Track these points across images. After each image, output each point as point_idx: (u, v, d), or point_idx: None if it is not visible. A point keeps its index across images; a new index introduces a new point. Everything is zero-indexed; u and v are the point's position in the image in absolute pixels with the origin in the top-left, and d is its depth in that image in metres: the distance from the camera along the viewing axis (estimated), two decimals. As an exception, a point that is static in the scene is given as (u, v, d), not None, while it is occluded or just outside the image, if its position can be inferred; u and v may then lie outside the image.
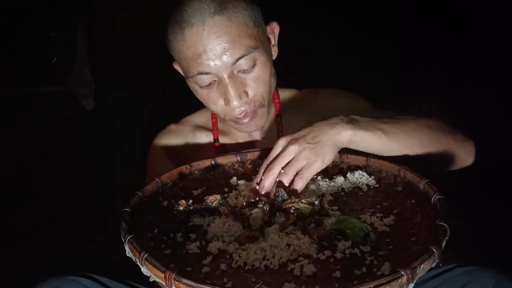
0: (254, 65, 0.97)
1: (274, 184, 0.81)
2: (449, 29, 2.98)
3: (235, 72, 0.96)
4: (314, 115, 1.10)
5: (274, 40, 1.06)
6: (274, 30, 1.06)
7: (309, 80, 1.22)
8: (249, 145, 1.11)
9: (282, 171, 0.81)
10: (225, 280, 0.60)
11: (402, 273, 0.57)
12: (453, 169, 0.99)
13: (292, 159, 0.81)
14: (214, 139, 1.14)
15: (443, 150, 0.94)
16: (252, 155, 0.99)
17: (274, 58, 1.05)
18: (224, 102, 0.99)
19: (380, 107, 1.13)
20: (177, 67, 1.07)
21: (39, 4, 3.43)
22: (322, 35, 3.26)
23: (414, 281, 0.58)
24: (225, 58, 0.93)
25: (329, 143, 0.82)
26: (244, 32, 0.95)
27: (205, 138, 1.16)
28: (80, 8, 3.51)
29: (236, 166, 0.97)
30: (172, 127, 1.20)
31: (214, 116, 1.14)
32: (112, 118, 3.71)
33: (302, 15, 3.01)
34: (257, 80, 0.98)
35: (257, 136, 1.13)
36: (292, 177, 0.80)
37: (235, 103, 0.97)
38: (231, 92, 0.96)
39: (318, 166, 0.81)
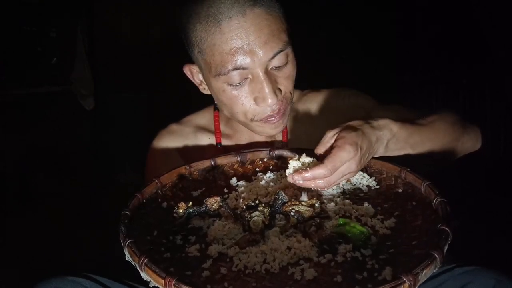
0: (286, 63, 0.95)
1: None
2: (449, 29, 2.98)
3: (269, 68, 0.93)
4: (319, 116, 1.08)
5: None
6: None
7: (307, 82, 1.20)
8: (253, 148, 1.08)
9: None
10: (226, 284, 0.60)
11: (404, 279, 0.56)
12: (463, 154, 1.02)
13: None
14: (217, 143, 1.10)
15: (460, 145, 0.97)
16: (252, 155, 0.97)
17: None
18: (254, 101, 0.95)
19: (386, 104, 1.10)
20: (188, 70, 1.03)
21: (39, 4, 3.43)
22: (321, 36, 3.26)
23: (416, 287, 0.57)
24: (264, 52, 0.90)
25: (368, 159, 0.82)
26: (281, 26, 0.93)
27: (207, 140, 1.13)
28: (80, 8, 3.51)
29: (235, 166, 0.96)
30: (173, 127, 1.16)
31: (217, 118, 1.10)
32: (112, 118, 3.70)
33: (301, 17, 3.01)
34: (288, 78, 0.96)
35: (261, 139, 1.10)
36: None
37: (270, 100, 0.93)
38: (267, 89, 0.92)
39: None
